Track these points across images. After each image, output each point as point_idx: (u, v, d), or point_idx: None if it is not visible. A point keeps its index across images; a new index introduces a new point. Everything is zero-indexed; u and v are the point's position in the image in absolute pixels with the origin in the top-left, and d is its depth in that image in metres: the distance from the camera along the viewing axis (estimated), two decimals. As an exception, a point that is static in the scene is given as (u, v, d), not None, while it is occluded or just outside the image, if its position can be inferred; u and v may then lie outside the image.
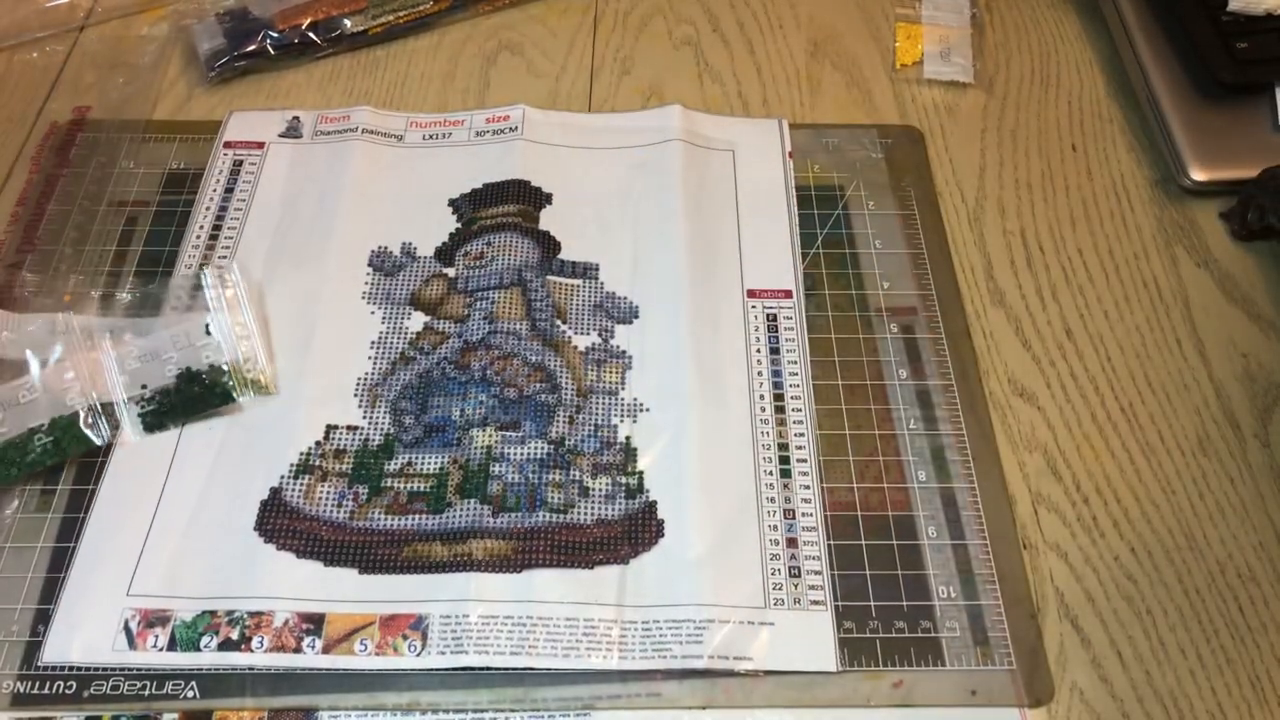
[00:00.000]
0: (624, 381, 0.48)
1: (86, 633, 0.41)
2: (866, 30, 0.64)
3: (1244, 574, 0.44)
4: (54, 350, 0.46)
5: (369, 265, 0.52)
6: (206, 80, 0.60)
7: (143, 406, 0.46)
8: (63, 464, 0.45)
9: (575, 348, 0.49)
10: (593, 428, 0.46)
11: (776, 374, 0.48)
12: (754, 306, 0.50)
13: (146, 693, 0.40)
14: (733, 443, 0.46)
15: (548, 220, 0.53)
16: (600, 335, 0.50)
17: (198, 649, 0.40)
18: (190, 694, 0.40)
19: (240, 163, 0.56)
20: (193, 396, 0.46)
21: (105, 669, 0.40)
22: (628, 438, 0.46)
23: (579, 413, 0.47)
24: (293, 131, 0.57)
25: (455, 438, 0.46)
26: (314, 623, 0.41)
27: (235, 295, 0.49)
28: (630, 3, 0.65)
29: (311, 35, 0.61)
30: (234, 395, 0.46)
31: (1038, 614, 0.43)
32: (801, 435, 0.46)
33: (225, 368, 0.47)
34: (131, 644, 0.40)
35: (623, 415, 0.47)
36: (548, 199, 0.54)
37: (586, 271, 0.52)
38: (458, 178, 0.55)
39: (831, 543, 0.44)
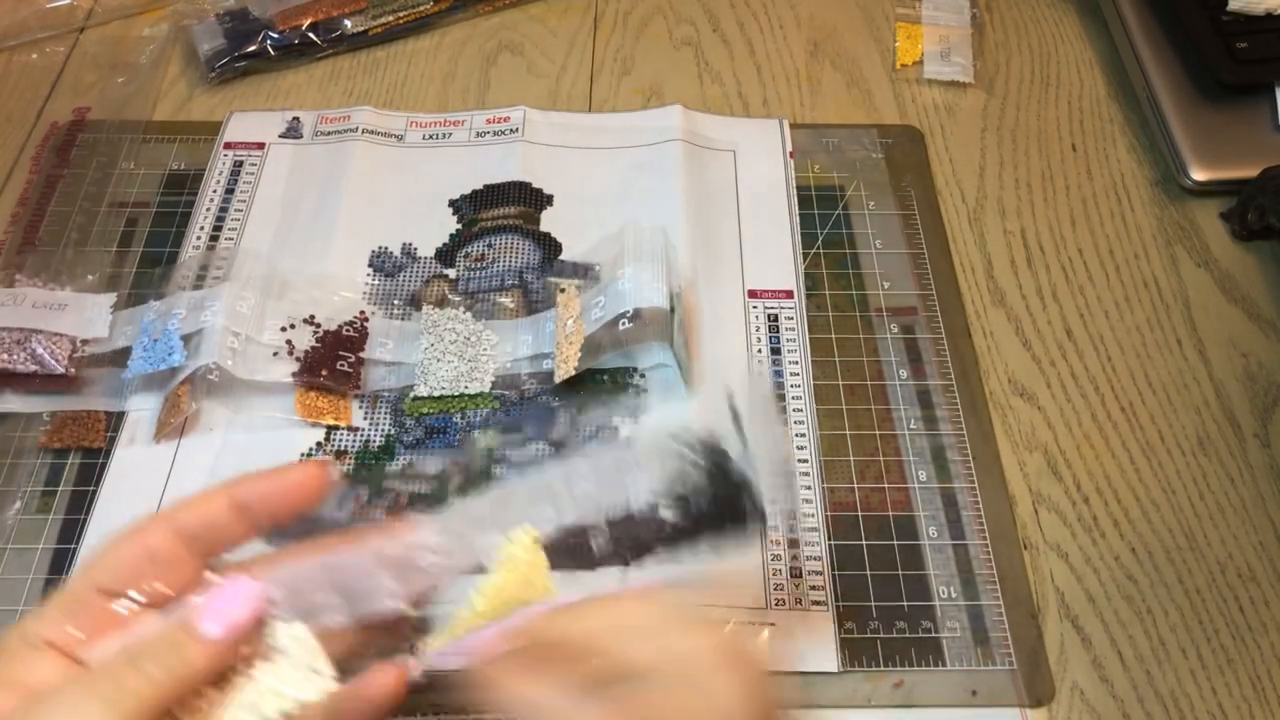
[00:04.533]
0: (625, 382, 0.48)
1: (88, 634, 0.41)
2: (867, 30, 0.64)
3: (1244, 574, 0.44)
4: None
5: (369, 265, 0.52)
6: (207, 81, 0.60)
7: None
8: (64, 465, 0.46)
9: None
10: (594, 429, 0.46)
11: (778, 374, 0.48)
12: (755, 307, 0.50)
13: (148, 694, 0.40)
14: (733, 443, 0.46)
15: (549, 221, 0.53)
16: (601, 336, 0.49)
17: (199, 650, 0.40)
18: (192, 695, 0.40)
19: (241, 163, 0.56)
20: None
21: (107, 670, 0.40)
22: (629, 439, 0.46)
23: (580, 414, 0.47)
24: (293, 132, 0.57)
25: (456, 439, 0.46)
26: (315, 624, 0.41)
27: None
28: (630, 3, 0.65)
29: (311, 36, 0.61)
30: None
31: (1038, 614, 0.43)
32: (802, 435, 0.46)
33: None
34: (133, 645, 0.40)
35: (624, 416, 0.47)
36: (548, 200, 0.54)
37: (587, 272, 0.52)
38: (458, 178, 0.55)
39: (832, 543, 0.44)
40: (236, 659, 0.28)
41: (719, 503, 0.31)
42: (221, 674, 0.27)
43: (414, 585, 0.29)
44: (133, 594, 0.27)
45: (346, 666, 0.28)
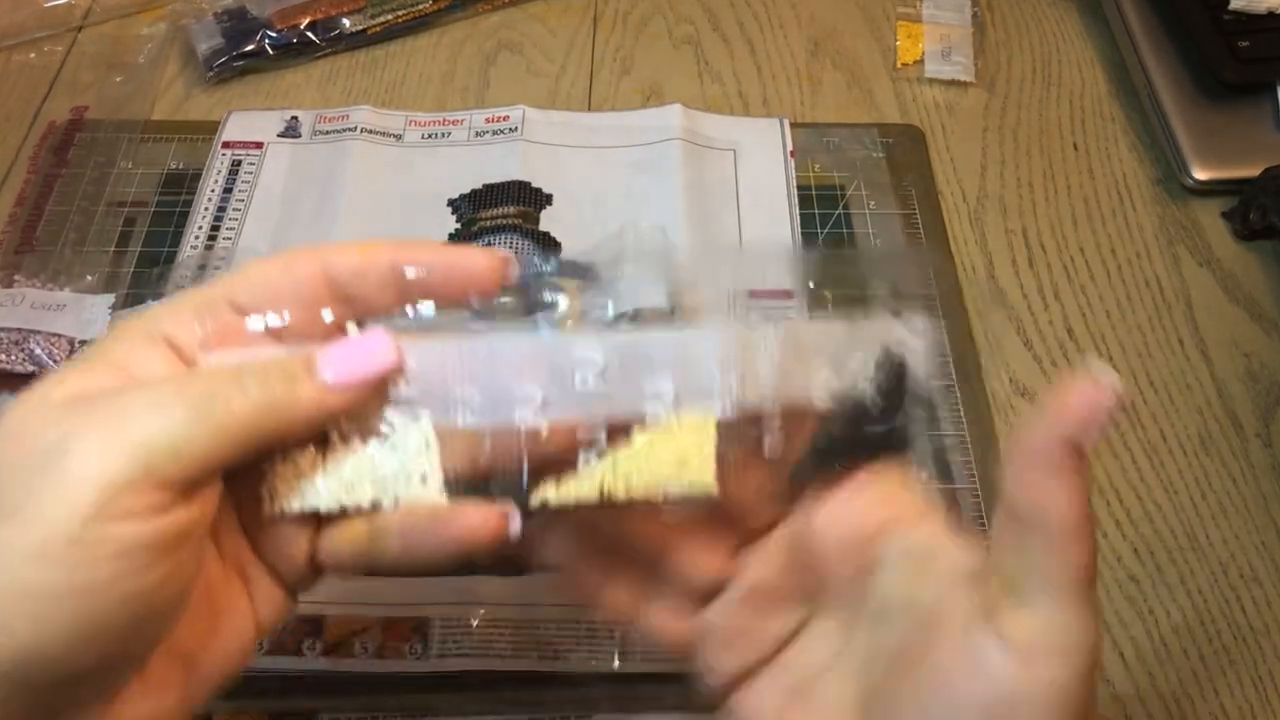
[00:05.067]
0: (625, 382, 0.48)
1: (86, 636, 0.40)
2: (867, 29, 0.64)
3: (1246, 574, 0.43)
4: None
5: (368, 266, 0.52)
6: (205, 80, 0.60)
7: None
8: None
9: (576, 348, 0.49)
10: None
11: (778, 374, 0.48)
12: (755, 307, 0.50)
13: (146, 696, 0.40)
14: (734, 444, 0.46)
15: (548, 221, 0.53)
16: (601, 336, 0.49)
17: (198, 652, 0.40)
18: (190, 697, 0.40)
19: (239, 163, 0.55)
20: None
21: (105, 672, 0.40)
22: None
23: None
24: (291, 131, 0.57)
25: (455, 439, 0.46)
26: (314, 625, 0.41)
27: None
28: (630, 2, 0.65)
29: (310, 35, 0.60)
30: None
31: (1040, 615, 0.42)
32: (803, 436, 0.46)
33: None
34: (131, 647, 0.40)
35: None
36: (548, 200, 0.54)
37: (587, 272, 0.51)
38: (457, 178, 0.55)
39: (833, 544, 0.43)
40: (343, 424, 0.25)
41: (882, 418, 0.28)
42: (323, 438, 0.25)
43: (557, 409, 0.25)
44: (266, 317, 0.24)
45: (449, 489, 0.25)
